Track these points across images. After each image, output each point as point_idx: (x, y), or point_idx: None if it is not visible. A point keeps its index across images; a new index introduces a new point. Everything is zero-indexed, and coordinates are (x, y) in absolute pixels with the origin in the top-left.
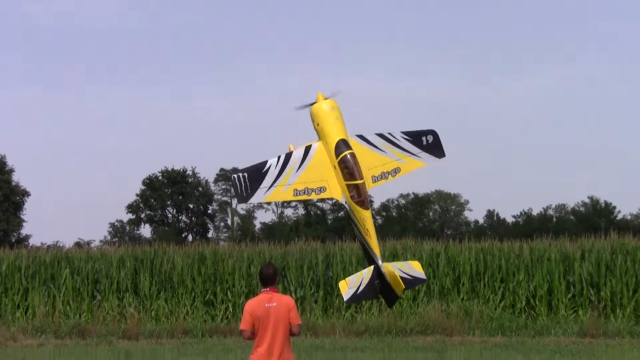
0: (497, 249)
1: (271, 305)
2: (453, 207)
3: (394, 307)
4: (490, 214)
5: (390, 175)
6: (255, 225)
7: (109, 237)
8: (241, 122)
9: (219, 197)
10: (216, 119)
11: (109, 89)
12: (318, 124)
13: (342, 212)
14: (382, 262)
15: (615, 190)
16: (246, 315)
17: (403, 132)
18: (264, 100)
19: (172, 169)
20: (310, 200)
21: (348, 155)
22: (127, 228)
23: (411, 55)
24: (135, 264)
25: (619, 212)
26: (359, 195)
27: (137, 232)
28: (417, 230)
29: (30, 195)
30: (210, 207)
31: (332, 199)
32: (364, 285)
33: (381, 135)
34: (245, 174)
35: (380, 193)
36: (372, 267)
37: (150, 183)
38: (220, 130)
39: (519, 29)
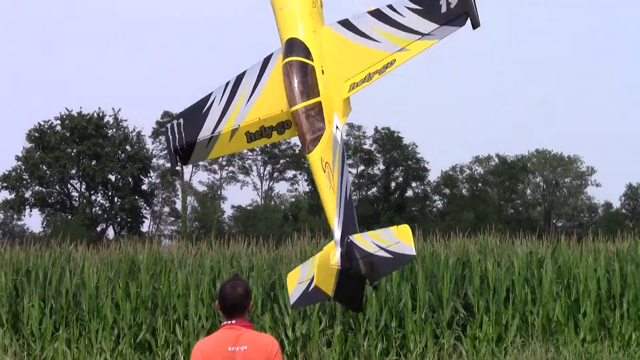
0: None
1: (237, 350)
2: (567, 179)
3: (466, 349)
4: (632, 192)
5: (377, 74)
6: (223, 212)
7: None
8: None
9: (162, 161)
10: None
11: None
12: (274, 15)
13: (374, 189)
14: (343, 236)
15: None
16: None
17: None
18: None
19: (80, 113)
20: (274, 143)
21: (294, 64)
22: (1, 216)
23: None
24: (15, 278)
25: None
26: (297, 125)
27: (18, 222)
28: (503, 219)
29: None
30: (147, 179)
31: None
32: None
33: (377, 14)
34: (181, 121)
35: (438, 157)
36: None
37: (41, 137)
38: (162, 45)
39: None
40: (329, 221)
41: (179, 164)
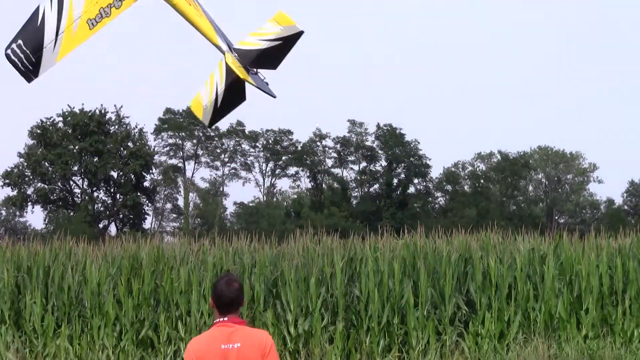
0: None
1: (230, 347)
2: (569, 176)
3: (468, 346)
4: (634, 189)
5: None
6: (225, 208)
7: None
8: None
9: (164, 158)
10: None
11: None
12: None
13: (376, 186)
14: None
15: None
16: None
17: None
18: None
19: (82, 110)
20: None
21: None
22: (3, 213)
23: None
24: (17, 275)
25: None
26: None
27: (20, 219)
28: (505, 215)
29: None
30: (149, 176)
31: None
32: (222, 88)
33: None
34: (20, 42)
35: (440, 154)
36: (224, 57)
37: (43, 134)
38: (164, 42)
39: None
40: (212, 40)
41: (32, 78)
